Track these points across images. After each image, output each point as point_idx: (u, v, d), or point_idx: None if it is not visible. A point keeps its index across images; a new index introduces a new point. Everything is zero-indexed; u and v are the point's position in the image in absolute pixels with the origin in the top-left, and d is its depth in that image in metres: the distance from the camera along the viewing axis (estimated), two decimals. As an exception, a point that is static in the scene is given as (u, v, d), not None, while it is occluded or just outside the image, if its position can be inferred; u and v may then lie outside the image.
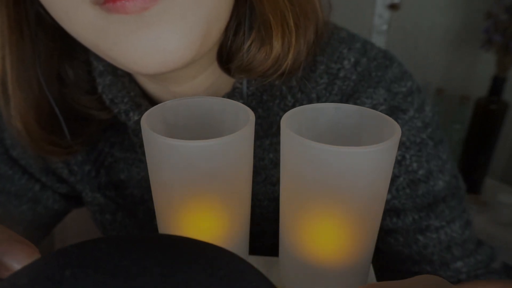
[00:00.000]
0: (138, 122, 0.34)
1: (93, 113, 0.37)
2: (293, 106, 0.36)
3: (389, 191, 0.36)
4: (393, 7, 1.13)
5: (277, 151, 0.37)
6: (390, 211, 0.37)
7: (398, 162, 0.36)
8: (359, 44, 0.38)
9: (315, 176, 0.19)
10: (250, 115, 0.22)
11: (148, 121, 0.21)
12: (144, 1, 0.24)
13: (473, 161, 1.12)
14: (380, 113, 0.22)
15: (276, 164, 0.37)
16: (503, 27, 1.00)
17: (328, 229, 0.21)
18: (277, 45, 0.30)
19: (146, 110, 0.34)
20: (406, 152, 0.36)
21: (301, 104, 0.36)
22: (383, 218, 0.37)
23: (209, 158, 0.19)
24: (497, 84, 1.04)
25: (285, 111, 0.35)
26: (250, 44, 0.30)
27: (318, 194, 0.20)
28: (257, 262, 0.29)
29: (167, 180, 0.21)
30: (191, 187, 0.20)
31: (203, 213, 0.22)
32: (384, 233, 0.38)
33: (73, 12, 0.25)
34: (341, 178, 0.19)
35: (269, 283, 0.14)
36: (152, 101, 0.37)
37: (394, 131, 0.20)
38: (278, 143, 0.36)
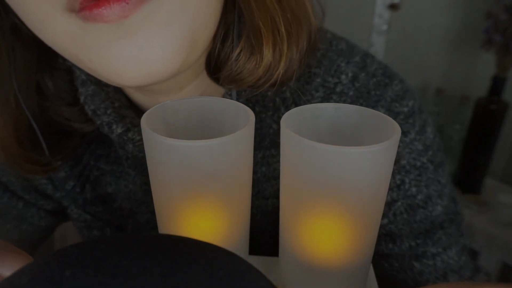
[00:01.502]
0: (121, 136, 0.33)
1: (75, 125, 0.35)
2: None
3: (386, 215, 0.35)
4: (393, 7, 1.13)
5: (269, 164, 0.36)
6: (386, 236, 0.36)
7: (397, 186, 0.35)
8: (358, 58, 0.36)
9: (315, 176, 0.19)
10: (250, 115, 0.22)
11: (148, 121, 0.21)
12: (123, 8, 0.22)
13: (473, 161, 1.12)
14: (380, 113, 0.22)
15: (269, 178, 0.36)
16: (503, 27, 1.00)
17: (328, 229, 0.21)
18: (268, 53, 0.28)
19: (130, 122, 0.33)
20: (406, 176, 0.35)
21: None
22: (379, 243, 0.36)
23: (209, 158, 0.19)
24: (497, 84, 1.04)
25: (278, 124, 0.34)
26: (239, 53, 0.29)
27: (318, 194, 0.20)
28: (257, 262, 0.29)
29: (167, 180, 0.21)
30: (191, 187, 0.20)
31: (203, 213, 0.22)
32: (379, 258, 0.37)
33: (49, 21, 0.23)
34: (341, 178, 0.19)
35: (269, 283, 0.14)
36: (140, 112, 0.35)
37: (394, 131, 0.20)
38: (271, 156, 0.35)
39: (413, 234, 0.35)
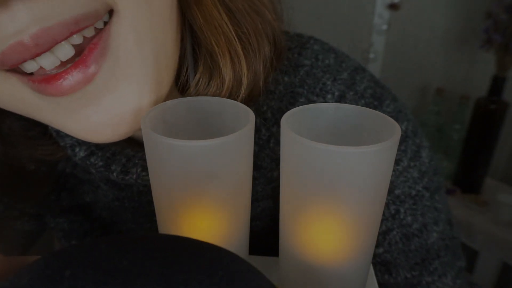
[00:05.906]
0: (83, 160, 0.31)
1: (57, 156, 0.33)
2: (268, 140, 0.33)
3: (382, 244, 0.34)
4: (393, 7, 1.13)
5: (252, 187, 0.35)
6: (381, 265, 0.35)
7: (392, 216, 0.34)
8: (346, 74, 0.33)
9: (315, 176, 0.19)
10: (250, 115, 0.22)
11: (148, 121, 0.21)
12: (85, 75, 0.20)
13: (473, 161, 1.12)
14: (380, 113, 0.22)
15: (251, 200, 0.34)
16: (503, 27, 1.00)
17: (328, 229, 0.21)
18: (226, 77, 0.26)
19: (95, 145, 0.31)
20: (401, 206, 0.33)
21: (276, 138, 0.33)
22: (374, 273, 0.34)
23: (209, 158, 0.19)
24: (497, 84, 1.04)
25: (259, 145, 0.33)
26: (199, 79, 0.27)
27: (318, 194, 0.20)
28: (257, 262, 0.29)
29: (167, 180, 0.21)
30: (191, 187, 0.20)
31: (203, 213, 0.22)
32: None
33: None
34: (341, 178, 0.19)
35: (269, 283, 0.14)
36: None
37: (394, 131, 0.20)
38: (253, 178, 0.34)
39: (408, 264, 0.34)
